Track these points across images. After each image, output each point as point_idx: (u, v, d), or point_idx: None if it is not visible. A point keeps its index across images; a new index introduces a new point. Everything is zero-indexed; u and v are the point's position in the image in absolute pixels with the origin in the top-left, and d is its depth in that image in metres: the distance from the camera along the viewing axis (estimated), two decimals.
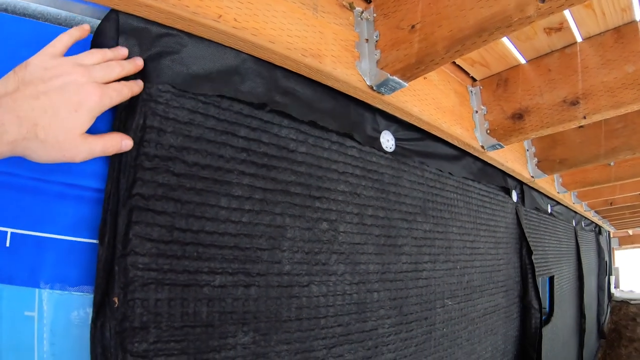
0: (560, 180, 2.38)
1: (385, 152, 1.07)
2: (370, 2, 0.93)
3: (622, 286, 7.16)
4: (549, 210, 2.45)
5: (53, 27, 0.60)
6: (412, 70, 0.84)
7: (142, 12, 0.59)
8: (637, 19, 1.08)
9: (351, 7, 0.89)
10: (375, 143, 1.03)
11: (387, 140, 1.07)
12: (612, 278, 6.01)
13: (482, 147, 1.38)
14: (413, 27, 0.83)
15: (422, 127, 1.15)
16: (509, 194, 1.84)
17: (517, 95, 1.30)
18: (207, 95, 0.68)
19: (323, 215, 0.86)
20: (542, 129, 1.27)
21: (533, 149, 1.88)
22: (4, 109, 0.46)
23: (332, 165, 0.91)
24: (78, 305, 0.58)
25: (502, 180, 1.74)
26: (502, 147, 1.38)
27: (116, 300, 0.55)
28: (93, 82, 0.52)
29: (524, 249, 1.92)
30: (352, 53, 0.87)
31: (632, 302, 5.30)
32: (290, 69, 0.78)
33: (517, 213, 1.91)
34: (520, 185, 1.97)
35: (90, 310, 0.57)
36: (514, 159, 1.69)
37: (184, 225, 0.63)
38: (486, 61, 1.28)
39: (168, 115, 0.63)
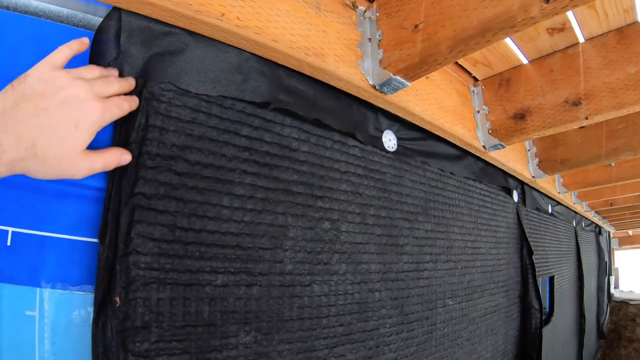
0: (561, 180, 2.38)
1: (387, 152, 1.07)
2: (373, 1, 0.92)
3: (621, 286, 7.17)
4: (550, 211, 2.45)
5: (55, 24, 0.59)
6: (415, 70, 0.84)
7: (145, 10, 0.58)
8: None
9: (354, 6, 0.89)
10: (378, 142, 1.03)
11: (389, 140, 1.07)
12: (612, 278, 6.02)
13: (484, 147, 1.38)
14: (416, 26, 0.82)
15: (424, 127, 1.15)
16: (510, 194, 1.84)
17: (519, 95, 1.30)
18: (208, 94, 0.68)
19: (325, 215, 0.86)
20: (544, 129, 1.27)
21: (534, 149, 1.88)
22: (2, 129, 0.44)
23: (335, 164, 0.90)
24: (79, 305, 0.58)
25: (503, 180, 1.74)
26: (503, 147, 1.38)
27: (118, 300, 0.55)
28: (95, 97, 0.51)
29: (525, 249, 1.92)
30: (354, 52, 0.87)
31: (631, 302, 5.31)
32: (293, 68, 0.78)
33: (518, 213, 1.91)
34: (521, 185, 1.97)
35: (91, 310, 0.57)
36: (515, 159, 1.69)
37: (186, 224, 0.63)
38: (488, 61, 1.28)
39: (170, 113, 0.63)
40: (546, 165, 1.86)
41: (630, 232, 7.24)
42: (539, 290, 1.93)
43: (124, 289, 0.55)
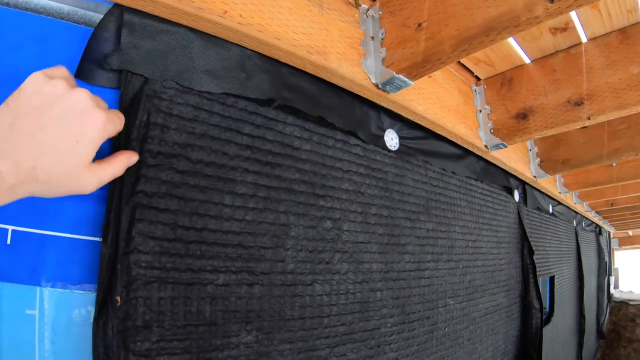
0: (562, 180, 2.38)
1: (389, 151, 1.06)
2: None
3: (621, 287, 7.18)
4: (551, 210, 2.45)
5: (55, 21, 0.59)
6: (418, 68, 0.83)
7: (147, 7, 0.58)
8: None
9: (357, 4, 0.88)
10: (380, 141, 1.02)
11: (391, 139, 1.06)
12: (612, 279, 6.02)
13: (486, 146, 1.37)
14: (419, 25, 0.82)
15: (426, 126, 1.14)
16: (511, 194, 1.84)
17: (522, 95, 1.29)
18: (211, 91, 0.67)
19: (327, 214, 0.86)
20: (546, 129, 1.26)
21: (536, 149, 1.88)
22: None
23: (337, 163, 0.90)
24: (79, 304, 0.57)
25: (505, 179, 1.74)
26: (505, 146, 1.37)
27: (119, 299, 0.55)
28: (96, 105, 0.47)
29: (526, 248, 1.92)
30: (357, 51, 0.86)
31: (631, 302, 5.31)
32: (296, 66, 0.78)
33: (519, 213, 1.91)
34: (523, 185, 1.97)
35: (91, 309, 0.57)
36: (516, 158, 1.68)
37: (188, 223, 0.63)
38: (491, 60, 1.28)
39: (172, 111, 0.63)
40: (547, 165, 1.85)
41: (631, 233, 7.24)
42: (539, 290, 1.93)
43: (125, 288, 0.55)
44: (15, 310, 0.53)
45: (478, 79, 1.39)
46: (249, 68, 0.72)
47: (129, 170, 0.57)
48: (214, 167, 0.67)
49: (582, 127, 1.71)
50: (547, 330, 2.12)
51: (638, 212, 3.99)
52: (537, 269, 1.95)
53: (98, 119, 0.46)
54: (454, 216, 1.35)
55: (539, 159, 1.87)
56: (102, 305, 0.55)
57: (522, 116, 1.29)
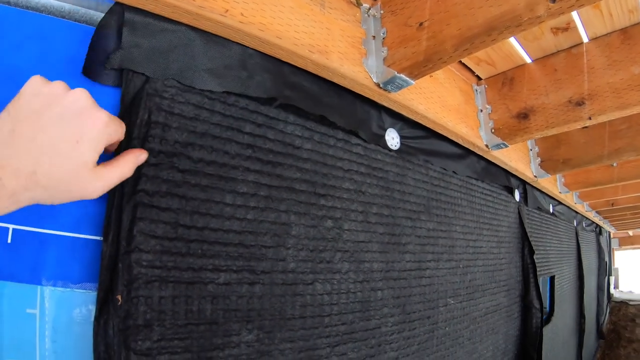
0: (563, 180, 2.37)
1: (390, 150, 1.06)
2: None
3: (621, 287, 7.18)
4: (551, 210, 2.45)
5: (57, 20, 0.59)
6: (419, 68, 0.83)
7: (148, 5, 0.58)
8: None
9: (358, 4, 0.88)
10: (381, 141, 1.02)
11: (392, 138, 1.06)
12: (612, 279, 6.02)
13: (487, 146, 1.37)
14: (421, 24, 0.82)
15: (427, 125, 1.14)
16: (512, 194, 1.84)
17: (523, 94, 1.29)
18: (212, 90, 0.67)
19: (328, 213, 0.86)
20: (547, 129, 1.26)
21: (536, 149, 1.87)
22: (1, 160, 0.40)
23: (338, 162, 0.90)
24: (80, 303, 0.57)
25: (505, 179, 1.74)
26: (506, 146, 1.37)
27: (120, 298, 0.55)
28: (97, 105, 0.45)
29: (526, 248, 1.92)
30: (359, 50, 0.86)
31: (631, 302, 5.31)
32: (297, 65, 0.78)
33: (519, 212, 1.91)
34: (523, 184, 1.97)
35: (92, 308, 0.57)
36: (517, 158, 1.68)
37: (189, 222, 0.62)
38: (492, 60, 1.27)
39: (173, 110, 0.62)
40: (548, 165, 1.85)
41: (631, 233, 7.24)
42: (539, 290, 1.93)
43: (126, 286, 0.55)
44: (16, 309, 0.53)
45: (479, 78, 1.39)
46: (250, 67, 0.72)
47: None
48: (215, 166, 0.67)
49: (583, 127, 1.70)
50: (547, 330, 2.12)
51: (638, 212, 3.98)
52: (538, 269, 1.94)
53: (98, 119, 0.45)
54: (455, 216, 1.35)
55: (539, 159, 1.87)
56: (103, 304, 0.55)
57: (523, 116, 1.29)
